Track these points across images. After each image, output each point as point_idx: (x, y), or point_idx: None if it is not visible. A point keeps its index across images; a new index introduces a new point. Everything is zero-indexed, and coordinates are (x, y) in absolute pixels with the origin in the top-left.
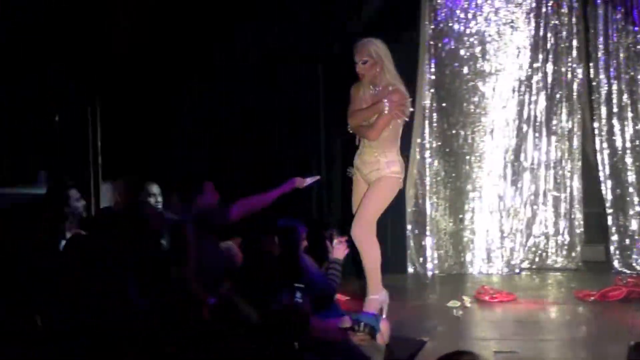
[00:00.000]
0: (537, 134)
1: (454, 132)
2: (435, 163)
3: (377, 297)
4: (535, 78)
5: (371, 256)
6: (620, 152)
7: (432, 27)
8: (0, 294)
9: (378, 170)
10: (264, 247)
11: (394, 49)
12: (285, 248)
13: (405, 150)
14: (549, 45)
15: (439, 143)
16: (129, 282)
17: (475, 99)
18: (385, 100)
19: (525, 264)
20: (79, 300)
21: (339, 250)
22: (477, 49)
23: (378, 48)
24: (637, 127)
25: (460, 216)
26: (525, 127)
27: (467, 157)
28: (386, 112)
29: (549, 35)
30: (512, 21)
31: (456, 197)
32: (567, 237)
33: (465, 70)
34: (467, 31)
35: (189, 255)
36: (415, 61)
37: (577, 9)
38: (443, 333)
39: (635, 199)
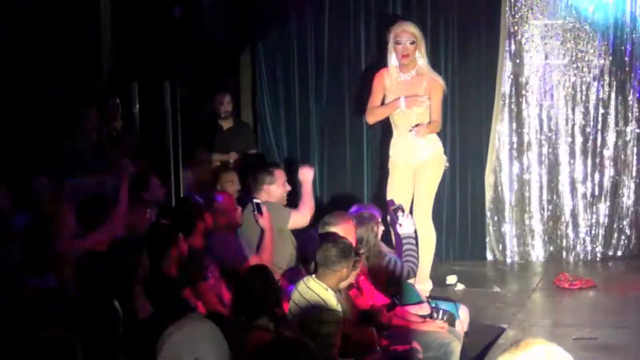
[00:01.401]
0: (619, 120)
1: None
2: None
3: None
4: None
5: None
6: None
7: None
8: None
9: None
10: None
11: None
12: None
13: (485, 137)
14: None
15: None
16: None
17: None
18: (403, 98)
19: (607, 251)
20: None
21: (406, 224)
22: (559, 38)
23: (418, 30)
24: None
25: (539, 201)
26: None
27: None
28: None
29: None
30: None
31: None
32: None
33: (546, 57)
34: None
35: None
36: (496, 46)
37: None
38: (522, 320)
39: None
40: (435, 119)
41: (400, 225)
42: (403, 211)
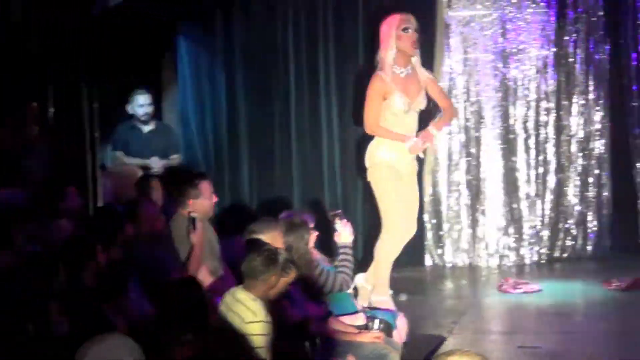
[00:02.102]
0: (562, 115)
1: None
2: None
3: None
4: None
5: None
6: None
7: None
8: None
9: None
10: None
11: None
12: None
13: None
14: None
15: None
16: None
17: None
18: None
19: (553, 253)
20: None
21: (345, 233)
22: (499, 29)
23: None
24: None
25: (481, 207)
26: (547, 108)
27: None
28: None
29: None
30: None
31: (474, 185)
32: (595, 223)
33: (486, 51)
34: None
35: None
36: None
37: None
38: (464, 328)
39: None
40: (446, 105)
41: (338, 233)
42: (342, 218)
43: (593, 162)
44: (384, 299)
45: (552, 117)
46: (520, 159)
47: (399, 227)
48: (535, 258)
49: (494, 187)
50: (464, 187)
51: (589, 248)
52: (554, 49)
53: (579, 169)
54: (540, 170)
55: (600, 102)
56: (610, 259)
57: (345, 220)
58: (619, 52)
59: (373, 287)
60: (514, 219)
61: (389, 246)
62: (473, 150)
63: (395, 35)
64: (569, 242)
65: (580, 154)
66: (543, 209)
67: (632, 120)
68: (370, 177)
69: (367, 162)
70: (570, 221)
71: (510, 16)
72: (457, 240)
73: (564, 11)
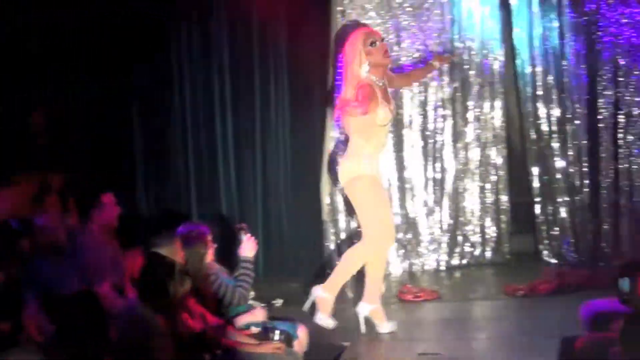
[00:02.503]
0: (459, 121)
1: None
2: None
3: None
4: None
5: None
6: (546, 137)
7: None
8: None
9: None
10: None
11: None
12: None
13: (319, 145)
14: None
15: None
16: None
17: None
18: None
19: (452, 260)
20: None
21: (247, 247)
22: (394, 38)
23: None
24: (562, 108)
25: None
26: (444, 114)
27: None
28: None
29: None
30: (428, 8)
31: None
32: (494, 229)
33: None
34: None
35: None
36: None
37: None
38: (364, 336)
39: (563, 186)
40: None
41: (241, 247)
42: (246, 232)
43: (490, 168)
44: (329, 297)
45: (449, 123)
46: (417, 165)
47: (378, 238)
48: (434, 265)
49: (391, 195)
50: None
51: (488, 254)
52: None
53: (477, 175)
54: (438, 177)
55: (497, 108)
56: (509, 264)
57: (249, 235)
58: (513, 58)
59: (333, 297)
60: (412, 226)
61: (364, 254)
62: None
63: (364, 52)
64: (467, 249)
65: (478, 161)
66: (441, 216)
67: (528, 125)
68: (350, 189)
69: (345, 176)
70: (469, 228)
71: (405, 24)
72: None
73: (459, 18)
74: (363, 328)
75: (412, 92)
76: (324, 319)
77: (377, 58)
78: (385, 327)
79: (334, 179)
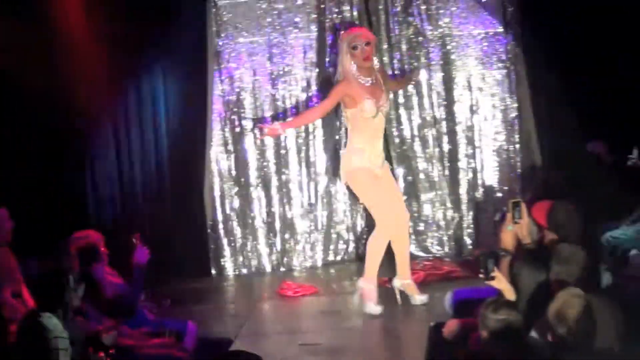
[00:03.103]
0: (324, 129)
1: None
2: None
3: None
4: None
5: None
6: (409, 140)
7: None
8: None
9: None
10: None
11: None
12: (82, 263)
13: (201, 155)
14: (333, 42)
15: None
16: None
17: (267, 101)
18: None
19: (327, 257)
20: None
21: (140, 254)
22: (266, 53)
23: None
24: (423, 116)
25: (260, 212)
26: (307, 126)
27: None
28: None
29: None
30: (296, 22)
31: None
32: (364, 228)
33: (256, 74)
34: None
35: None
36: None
37: (358, 4)
38: (249, 331)
39: (427, 185)
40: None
41: (135, 254)
42: (139, 240)
43: None
44: (371, 287)
45: (319, 132)
46: (293, 171)
47: (389, 219)
48: (311, 262)
49: (271, 197)
50: (236, 198)
51: (360, 250)
52: (317, 70)
53: (342, 185)
54: (312, 180)
55: None
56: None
57: (141, 243)
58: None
59: (375, 286)
60: (290, 226)
61: (381, 239)
62: (254, 165)
63: (349, 53)
64: (341, 246)
65: None
66: (316, 216)
67: (392, 130)
68: (350, 182)
69: (343, 170)
70: (341, 227)
71: (275, 42)
72: (238, 249)
73: (324, 35)
74: (399, 299)
75: (284, 105)
76: (372, 307)
77: (358, 61)
78: (418, 299)
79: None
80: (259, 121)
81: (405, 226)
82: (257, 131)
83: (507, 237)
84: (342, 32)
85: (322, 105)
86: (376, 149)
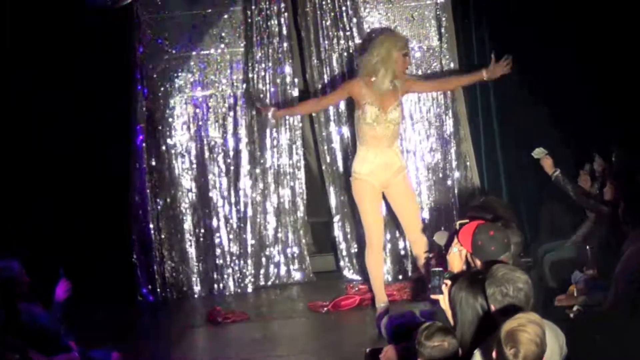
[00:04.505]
0: (257, 147)
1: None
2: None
3: None
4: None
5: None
6: (342, 156)
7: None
8: None
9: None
10: None
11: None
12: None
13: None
14: (261, 57)
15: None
16: None
17: (193, 118)
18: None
19: (258, 281)
20: None
21: (60, 289)
22: (193, 68)
23: None
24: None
25: (189, 237)
26: (246, 140)
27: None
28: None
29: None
30: (222, 37)
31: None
32: (295, 249)
33: (179, 90)
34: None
35: None
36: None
37: (287, 19)
38: (178, 359)
39: None
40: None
41: (57, 288)
42: (63, 276)
43: (289, 191)
44: (381, 305)
45: (247, 150)
46: (222, 192)
47: (372, 237)
48: (241, 287)
49: (200, 219)
50: (163, 221)
51: (292, 274)
52: (245, 85)
53: (275, 198)
54: (239, 200)
55: (292, 134)
56: (313, 283)
57: (64, 279)
58: (307, 87)
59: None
60: (218, 249)
61: (368, 257)
62: (184, 185)
63: (395, 57)
64: (272, 269)
65: (277, 184)
66: (245, 239)
67: (323, 148)
68: (352, 189)
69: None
70: (273, 249)
71: (202, 57)
72: (166, 274)
73: (252, 50)
74: None
75: (216, 122)
76: None
77: (400, 68)
78: None
79: None
80: (257, 99)
81: (417, 247)
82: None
83: (454, 260)
84: (387, 32)
85: (324, 96)
86: (379, 160)
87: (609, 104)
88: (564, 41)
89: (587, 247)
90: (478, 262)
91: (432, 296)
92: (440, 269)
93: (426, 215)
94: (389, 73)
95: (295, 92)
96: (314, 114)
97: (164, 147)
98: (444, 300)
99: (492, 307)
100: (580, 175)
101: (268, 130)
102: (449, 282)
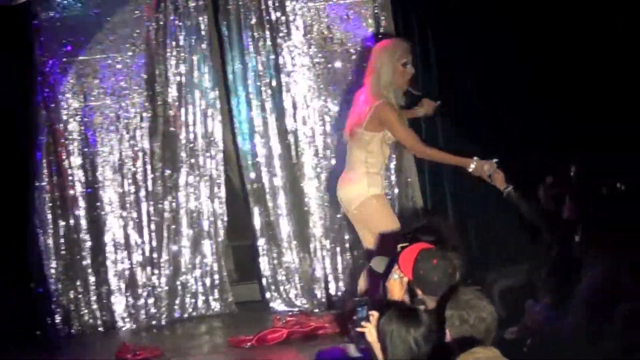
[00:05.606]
0: (171, 162)
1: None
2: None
3: None
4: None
5: None
6: (266, 175)
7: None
8: None
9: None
10: None
11: None
12: None
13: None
14: (177, 61)
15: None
16: None
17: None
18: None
19: (172, 312)
20: None
21: None
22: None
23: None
24: (286, 143)
25: (94, 263)
26: (158, 152)
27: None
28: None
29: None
30: (134, 38)
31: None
32: (216, 277)
33: (85, 99)
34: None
35: None
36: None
37: (206, 17)
38: None
39: (289, 227)
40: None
41: None
42: None
43: (208, 212)
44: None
45: (160, 164)
46: (132, 213)
47: None
48: (155, 320)
49: (105, 246)
50: (64, 248)
51: (212, 304)
52: (151, 92)
53: (192, 219)
54: (151, 222)
55: (212, 148)
56: (235, 314)
57: None
58: (228, 92)
59: None
60: (131, 280)
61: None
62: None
63: (394, 68)
64: (189, 300)
65: (194, 205)
66: (160, 269)
67: (246, 164)
68: (363, 210)
69: (357, 197)
70: (189, 276)
71: (109, 61)
72: (68, 307)
73: (165, 53)
74: None
75: (120, 134)
76: None
77: (402, 79)
78: None
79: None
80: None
81: None
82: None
83: (394, 287)
84: (388, 40)
85: (406, 137)
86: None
87: (567, 107)
88: (505, 45)
89: (541, 272)
90: (420, 292)
91: (358, 329)
92: (366, 297)
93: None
94: (392, 90)
95: (216, 101)
96: (236, 125)
97: (66, 162)
98: (370, 334)
99: (447, 333)
100: (540, 190)
101: (183, 143)
102: (375, 313)
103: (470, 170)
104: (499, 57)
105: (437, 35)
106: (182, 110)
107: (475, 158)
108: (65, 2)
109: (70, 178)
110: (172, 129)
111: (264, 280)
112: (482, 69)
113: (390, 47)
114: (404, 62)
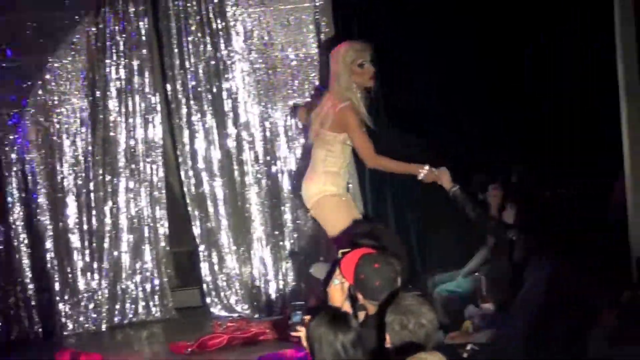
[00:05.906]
0: (112, 167)
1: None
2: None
3: None
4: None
5: None
6: (208, 179)
7: None
8: None
9: None
10: None
11: None
12: None
13: None
14: (117, 67)
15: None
16: None
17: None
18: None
19: (112, 318)
20: None
21: None
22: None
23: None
24: (226, 149)
25: (32, 267)
26: (99, 158)
27: None
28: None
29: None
30: (74, 43)
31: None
32: (156, 283)
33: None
34: None
35: None
36: None
37: (147, 22)
38: None
39: (230, 233)
40: None
41: None
42: None
43: (147, 218)
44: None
45: (101, 169)
46: (71, 217)
47: None
48: (95, 326)
49: (38, 248)
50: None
51: (152, 310)
52: (91, 99)
53: (132, 224)
54: (92, 227)
55: (152, 152)
56: (176, 320)
57: None
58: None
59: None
60: (69, 285)
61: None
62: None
63: (350, 71)
64: (128, 306)
65: (134, 208)
66: (101, 274)
67: (187, 169)
68: (319, 208)
69: (314, 195)
70: (129, 281)
71: (48, 66)
72: (7, 311)
73: (103, 57)
74: None
75: (60, 140)
76: None
77: (363, 80)
78: None
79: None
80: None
81: None
82: None
83: (334, 293)
84: (341, 44)
85: (361, 144)
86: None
87: (514, 110)
88: (461, 46)
89: (483, 277)
90: (360, 297)
91: (293, 334)
92: (302, 302)
93: (303, 244)
94: (355, 90)
95: (157, 106)
96: (176, 129)
97: (7, 173)
98: (304, 338)
99: (387, 338)
100: (489, 192)
101: (123, 148)
102: (308, 317)
103: (420, 178)
104: (455, 59)
105: (378, 39)
106: (123, 116)
107: (426, 167)
108: (5, 5)
109: (8, 183)
110: (112, 134)
111: (204, 286)
112: (441, 70)
113: (342, 51)
114: (359, 63)
